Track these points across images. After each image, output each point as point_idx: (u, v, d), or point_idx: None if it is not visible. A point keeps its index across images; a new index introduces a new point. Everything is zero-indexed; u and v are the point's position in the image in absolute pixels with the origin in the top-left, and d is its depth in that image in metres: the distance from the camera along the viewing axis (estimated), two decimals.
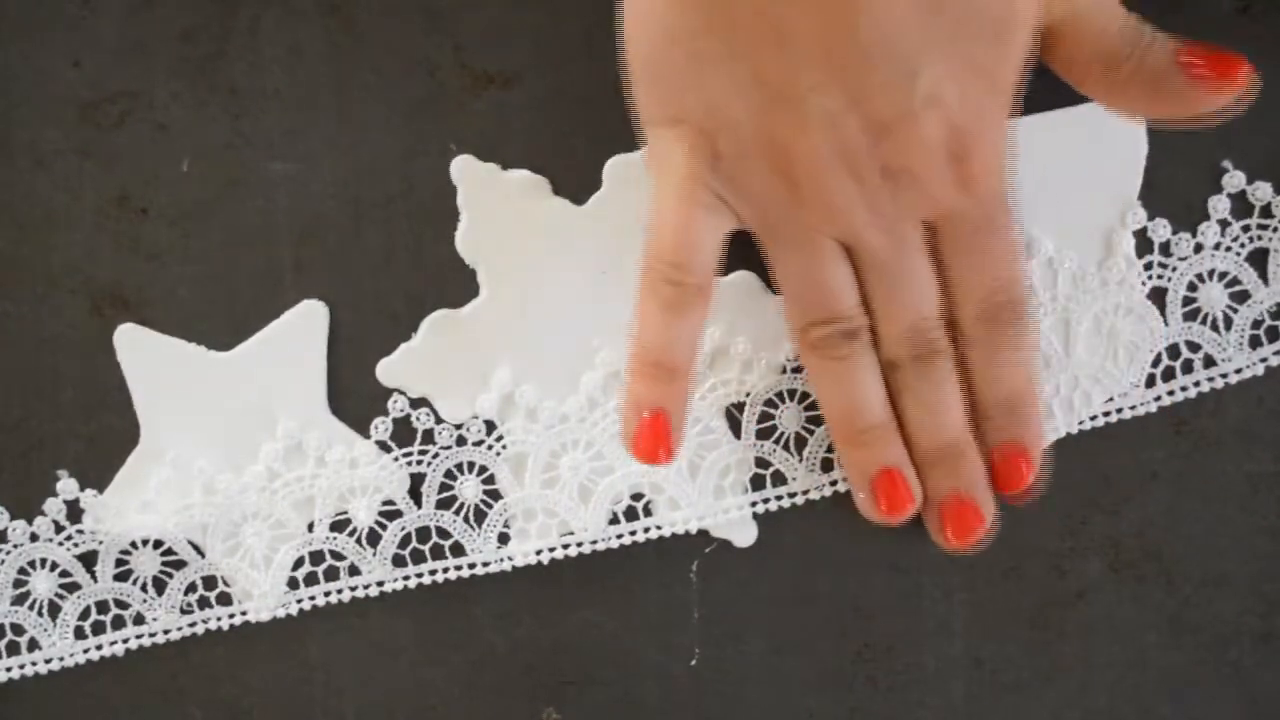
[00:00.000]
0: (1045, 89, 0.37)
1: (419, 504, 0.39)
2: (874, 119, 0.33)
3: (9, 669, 0.39)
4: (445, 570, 0.39)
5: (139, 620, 0.39)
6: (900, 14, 0.32)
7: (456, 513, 0.39)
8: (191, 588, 0.39)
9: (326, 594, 0.39)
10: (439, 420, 0.39)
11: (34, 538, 0.39)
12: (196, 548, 0.39)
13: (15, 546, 0.39)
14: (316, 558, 0.39)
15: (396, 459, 0.39)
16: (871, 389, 0.36)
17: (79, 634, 0.39)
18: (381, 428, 0.39)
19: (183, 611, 0.39)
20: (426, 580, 0.39)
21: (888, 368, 0.36)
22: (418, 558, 0.39)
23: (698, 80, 0.33)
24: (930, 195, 0.34)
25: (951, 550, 0.37)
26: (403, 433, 0.39)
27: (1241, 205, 0.38)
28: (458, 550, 0.39)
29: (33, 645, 0.39)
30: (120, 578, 0.39)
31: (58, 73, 0.38)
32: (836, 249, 0.35)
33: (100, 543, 0.39)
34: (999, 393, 0.36)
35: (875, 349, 0.36)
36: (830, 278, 0.35)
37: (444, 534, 0.39)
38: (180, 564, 0.39)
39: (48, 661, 0.39)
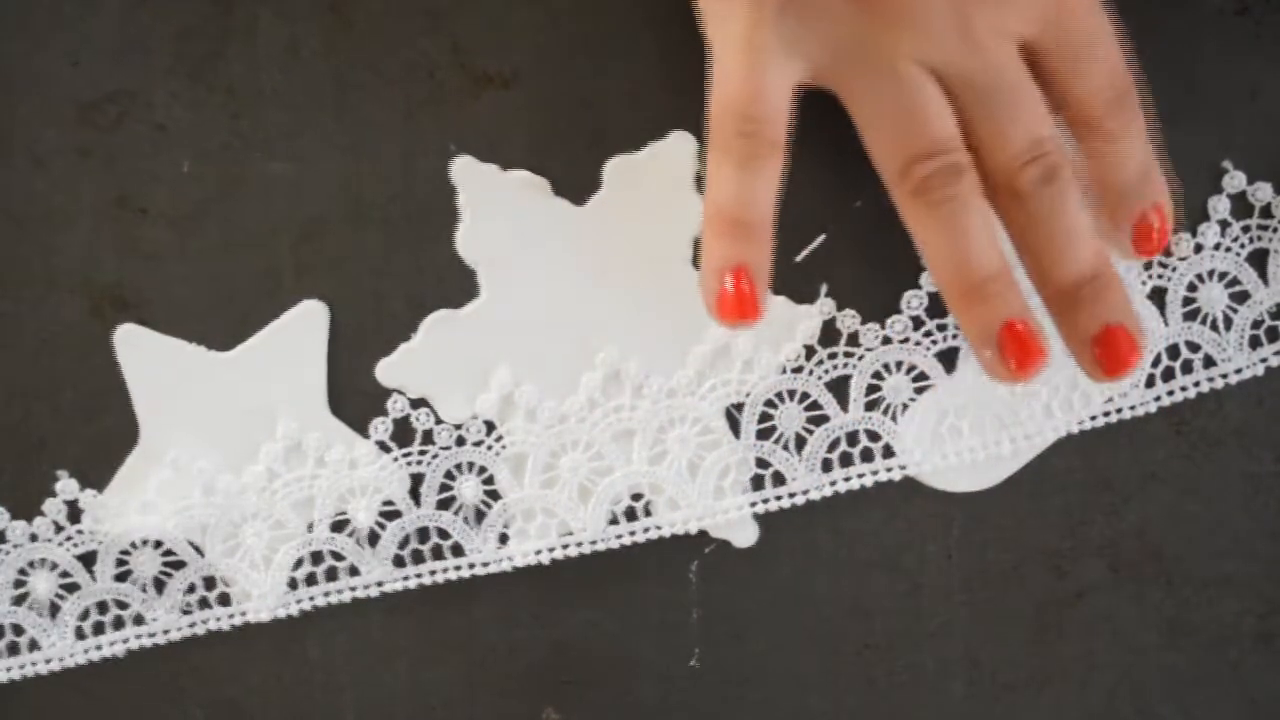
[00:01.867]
0: None
1: (418, 504, 0.39)
2: None
3: (9, 669, 0.39)
4: (445, 570, 0.39)
5: (139, 620, 0.39)
6: None
7: (456, 513, 0.39)
8: (191, 588, 0.39)
9: (326, 594, 0.39)
10: (438, 421, 0.39)
11: (34, 538, 0.39)
12: (196, 548, 0.39)
13: (15, 546, 0.39)
14: (316, 558, 0.39)
15: (396, 459, 0.39)
16: (985, 234, 0.34)
17: (79, 634, 0.39)
18: (381, 428, 0.39)
19: (183, 612, 0.39)
20: (426, 580, 0.39)
21: (1010, 201, 0.34)
22: (417, 558, 0.39)
23: None
24: (1024, 7, 0.33)
25: (1103, 381, 0.35)
26: (402, 433, 0.39)
27: (1241, 206, 0.38)
28: (457, 550, 0.39)
29: (33, 645, 0.40)
30: (120, 578, 0.39)
31: (56, 72, 0.38)
32: (926, 75, 0.33)
33: (100, 543, 0.39)
34: (1132, 168, 0.35)
35: (991, 185, 0.34)
36: (926, 104, 0.33)
37: (444, 534, 0.39)
38: (180, 564, 0.39)
39: (48, 662, 0.39)
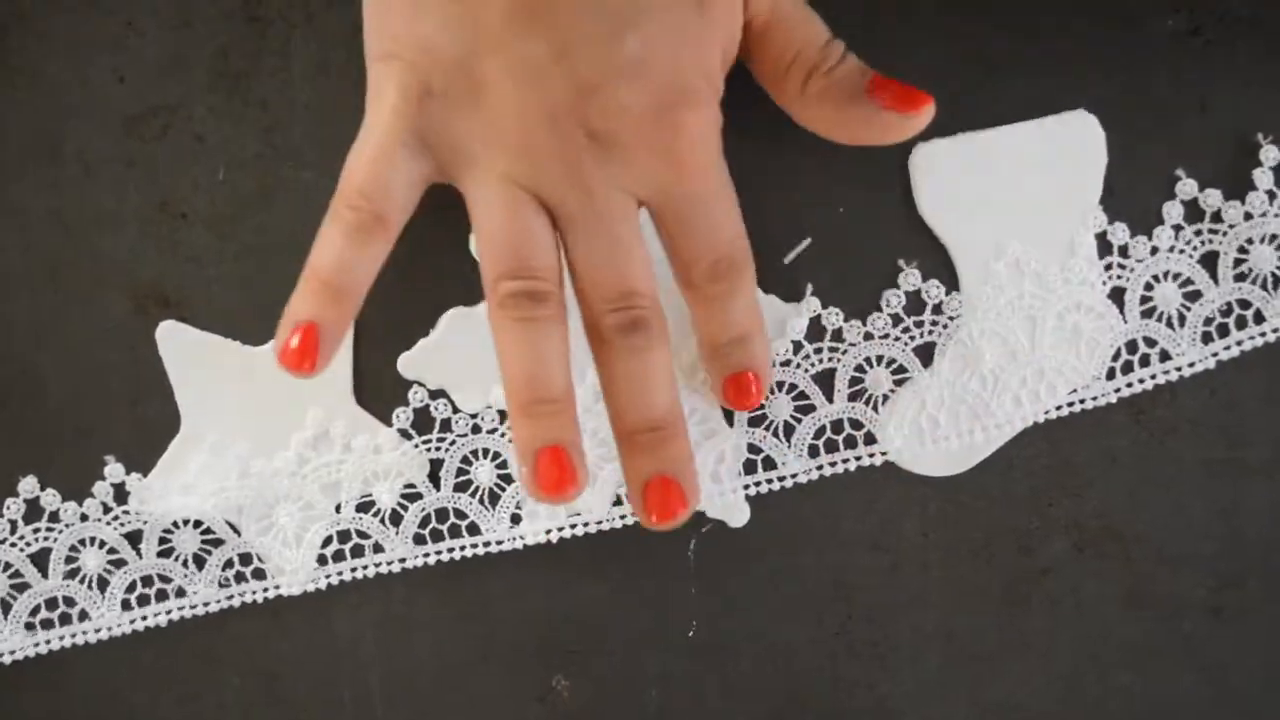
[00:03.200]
0: (1013, 103, 0.38)
1: (438, 487, 0.40)
2: (579, 76, 0.32)
3: (62, 638, 0.40)
4: (462, 548, 0.40)
5: (180, 594, 0.40)
6: None
7: (472, 495, 0.40)
8: (228, 564, 0.40)
9: (353, 570, 0.40)
10: (455, 410, 0.39)
11: (84, 518, 0.40)
12: (233, 527, 0.40)
13: (67, 526, 0.40)
14: (344, 536, 0.40)
15: (416, 445, 0.39)
16: (554, 359, 0.34)
17: (125, 606, 0.40)
18: (403, 416, 0.39)
19: (220, 586, 0.40)
20: (445, 557, 0.40)
21: (595, 340, 0.34)
22: (437, 537, 0.40)
23: (414, 16, 0.32)
24: (638, 170, 0.33)
25: (652, 529, 0.35)
26: (422, 421, 0.40)
27: (1193, 211, 0.39)
28: (473, 530, 0.40)
29: (83, 616, 0.40)
30: (163, 554, 0.40)
31: (104, 88, 0.39)
32: (537, 206, 0.33)
33: (145, 522, 0.40)
34: (733, 333, 0.36)
35: (585, 321, 0.34)
36: (526, 231, 0.33)
37: (461, 515, 0.40)
38: (218, 542, 0.40)
39: (97, 631, 0.40)
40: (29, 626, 0.40)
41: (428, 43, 0.32)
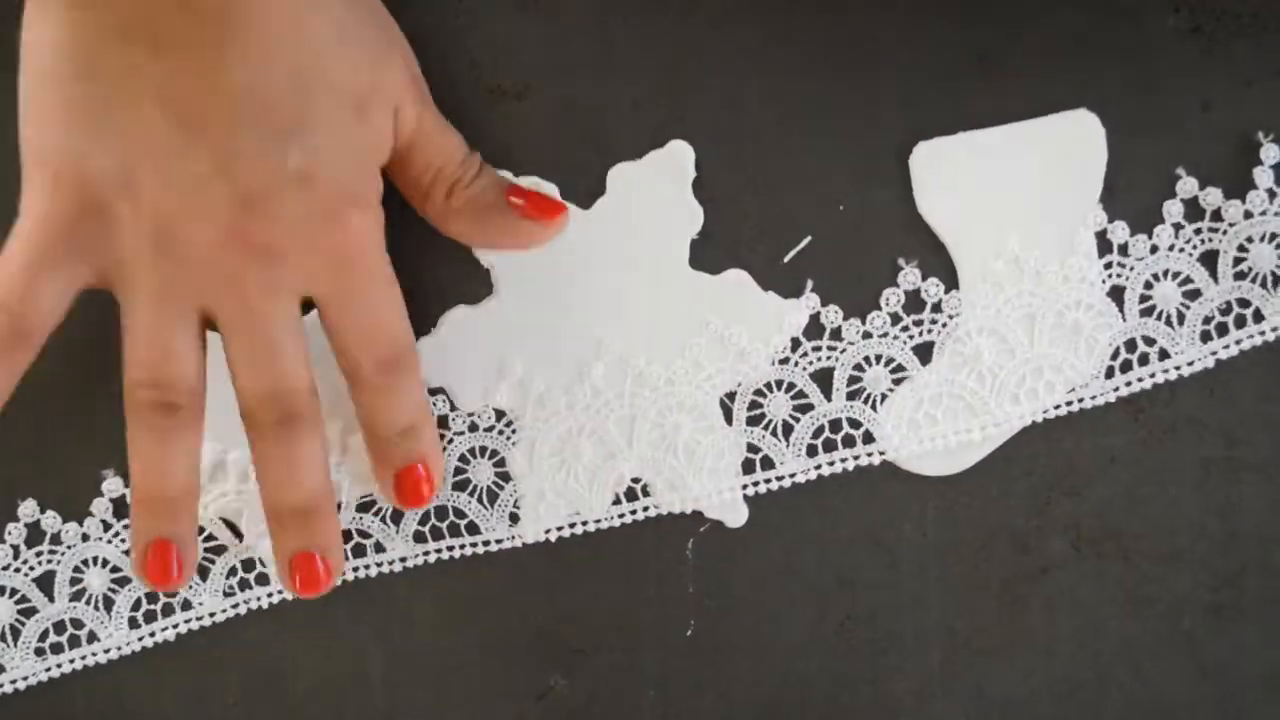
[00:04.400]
0: (1013, 102, 0.38)
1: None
2: (242, 188, 0.32)
3: (72, 661, 0.40)
4: (462, 547, 0.40)
5: (186, 606, 0.40)
6: (272, 79, 0.31)
7: (471, 494, 0.39)
8: (232, 571, 0.40)
9: (355, 569, 0.40)
10: (453, 408, 0.39)
11: (85, 538, 0.40)
12: (234, 531, 0.40)
13: (69, 547, 0.40)
14: (345, 536, 0.39)
15: None
16: (179, 464, 0.34)
17: (132, 624, 0.40)
18: None
19: (225, 595, 0.40)
20: (445, 556, 0.40)
21: (248, 427, 0.35)
22: (436, 535, 0.40)
23: (66, 127, 0.32)
24: (303, 273, 0.33)
25: (299, 595, 0.36)
26: None
27: (1194, 210, 0.39)
28: (473, 529, 0.40)
29: (92, 637, 0.40)
30: None
31: None
32: (189, 319, 0.33)
33: None
34: (399, 424, 0.36)
35: (240, 407, 0.35)
36: (169, 344, 0.33)
37: (460, 514, 0.40)
38: (221, 549, 0.40)
39: (106, 652, 0.40)
40: (39, 652, 0.40)
41: (82, 155, 0.32)
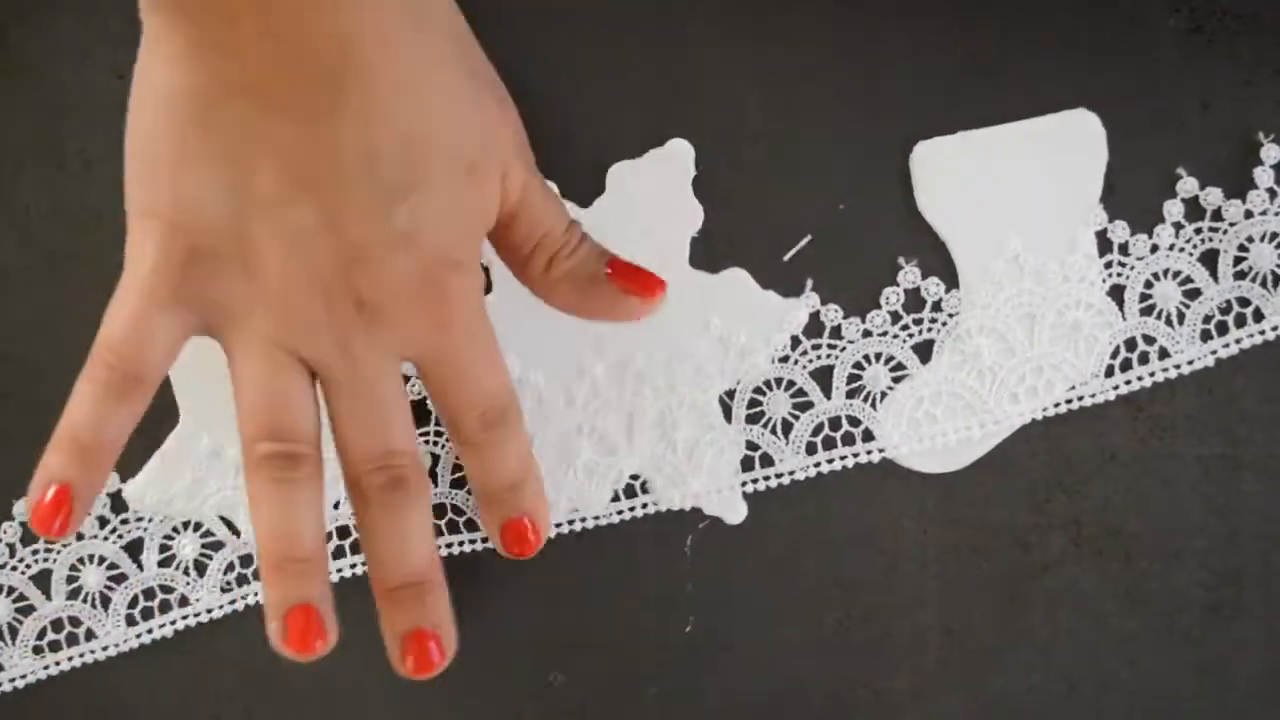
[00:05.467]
0: (1013, 102, 0.39)
1: (436, 483, 0.40)
2: (348, 244, 0.32)
3: (70, 659, 0.40)
4: (460, 544, 0.40)
5: (184, 602, 0.40)
6: (383, 141, 0.31)
7: (469, 491, 0.40)
8: (230, 567, 0.40)
9: (353, 565, 0.40)
10: None
11: (79, 536, 0.40)
12: (232, 528, 0.40)
13: (64, 545, 0.40)
14: (342, 532, 0.40)
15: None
16: (308, 520, 0.34)
17: (130, 621, 0.40)
18: None
19: (223, 591, 0.40)
20: (444, 553, 0.40)
21: (356, 497, 0.34)
22: (436, 532, 0.38)
23: (178, 176, 0.32)
24: (405, 334, 0.33)
25: (411, 677, 0.35)
26: (419, 416, 0.39)
27: (1194, 209, 0.39)
28: (471, 525, 0.40)
29: (90, 635, 0.40)
30: (164, 563, 0.40)
31: (105, 85, 0.39)
32: (300, 370, 0.33)
33: (145, 529, 0.40)
34: (505, 480, 0.36)
35: (346, 479, 0.34)
36: (287, 396, 0.33)
37: (458, 511, 0.40)
38: (218, 545, 0.40)
39: (104, 649, 0.40)
40: (37, 650, 0.40)
41: (193, 204, 0.32)
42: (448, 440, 0.40)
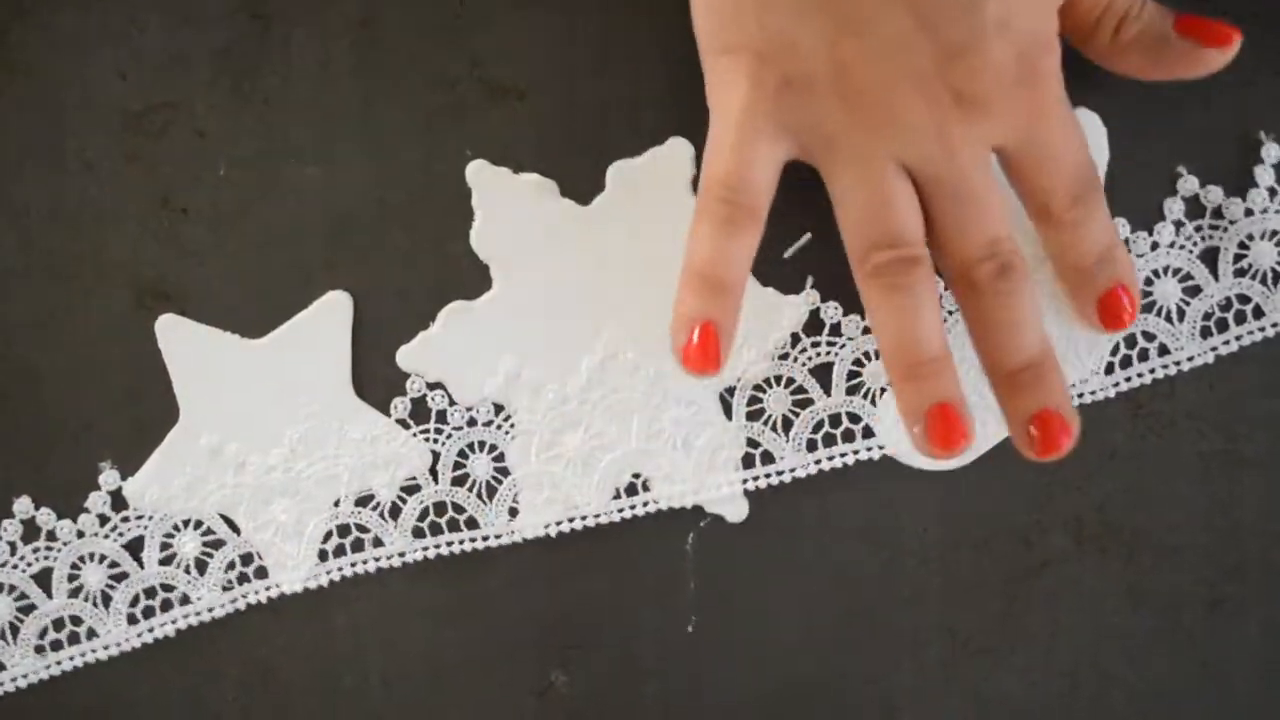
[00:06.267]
0: None
1: (436, 481, 0.40)
2: (944, 42, 0.33)
3: (72, 658, 0.40)
4: (461, 542, 0.40)
5: (185, 601, 0.40)
6: None
7: (469, 489, 0.40)
8: (231, 565, 0.40)
9: (353, 565, 0.40)
10: (452, 403, 0.39)
11: (80, 534, 0.40)
12: (232, 525, 0.40)
13: (65, 544, 0.40)
14: (343, 531, 0.40)
15: (415, 435, 0.39)
16: (931, 320, 0.35)
17: (131, 620, 0.40)
18: (401, 406, 0.39)
19: (224, 589, 0.40)
20: (444, 551, 0.40)
21: (966, 292, 0.35)
22: (435, 530, 0.40)
23: (765, 9, 0.33)
24: (1003, 121, 0.34)
25: (1038, 461, 0.35)
26: (419, 413, 0.40)
27: (1194, 207, 0.39)
28: (472, 524, 0.40)
29: (91, 634, 0.40)
30: (165, 561, 0.40)
31: (106, 84, 0.39)
32: (901, 174, 0.34)
33: (145, 528, 0.40)
34: (1095, 252, 0.36)
35: (949, 276, 0.35)
36: (894, 200, 0.34)
37: (459, 509, 0.40)
38: (219, 543, 0.40)
39: (106, 648, 0.40)
40: (38, 649, 0.40)
41: (782, 34, 0.33)
42: (447, 438, 0.40)
